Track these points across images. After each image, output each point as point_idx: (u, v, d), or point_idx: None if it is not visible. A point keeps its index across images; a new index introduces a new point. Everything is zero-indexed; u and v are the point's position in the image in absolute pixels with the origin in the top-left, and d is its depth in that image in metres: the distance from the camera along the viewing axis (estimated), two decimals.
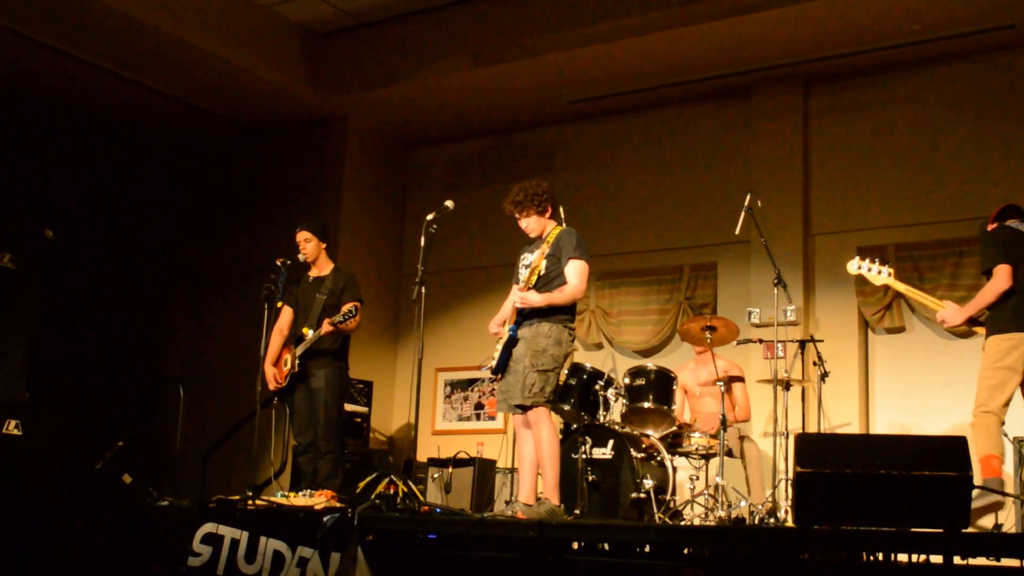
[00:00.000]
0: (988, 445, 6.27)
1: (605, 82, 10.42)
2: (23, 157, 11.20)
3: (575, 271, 6.70)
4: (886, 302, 9.32)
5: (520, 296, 6.65)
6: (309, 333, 7.88)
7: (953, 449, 5.20)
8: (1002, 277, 6.42)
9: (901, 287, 6.80)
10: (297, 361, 7.89)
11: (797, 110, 10.04)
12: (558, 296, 6.66)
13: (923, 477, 5.10)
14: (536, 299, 6.62)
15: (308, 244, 8.17)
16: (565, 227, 6.97)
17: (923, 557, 5.56)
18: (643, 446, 8.06)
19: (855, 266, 6.92)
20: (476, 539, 6.19)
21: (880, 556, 5.64)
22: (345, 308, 7.80)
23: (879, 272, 6.91)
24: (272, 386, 8.03)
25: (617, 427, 8.08)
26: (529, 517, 6.33)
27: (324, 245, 8.26)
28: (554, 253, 6.75)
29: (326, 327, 7.75)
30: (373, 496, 6.91)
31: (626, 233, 10.72)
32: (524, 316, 6.75)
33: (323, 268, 8.25)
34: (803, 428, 8.75)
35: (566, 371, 8.05)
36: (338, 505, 6.79)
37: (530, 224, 6.92)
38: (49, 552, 7.04)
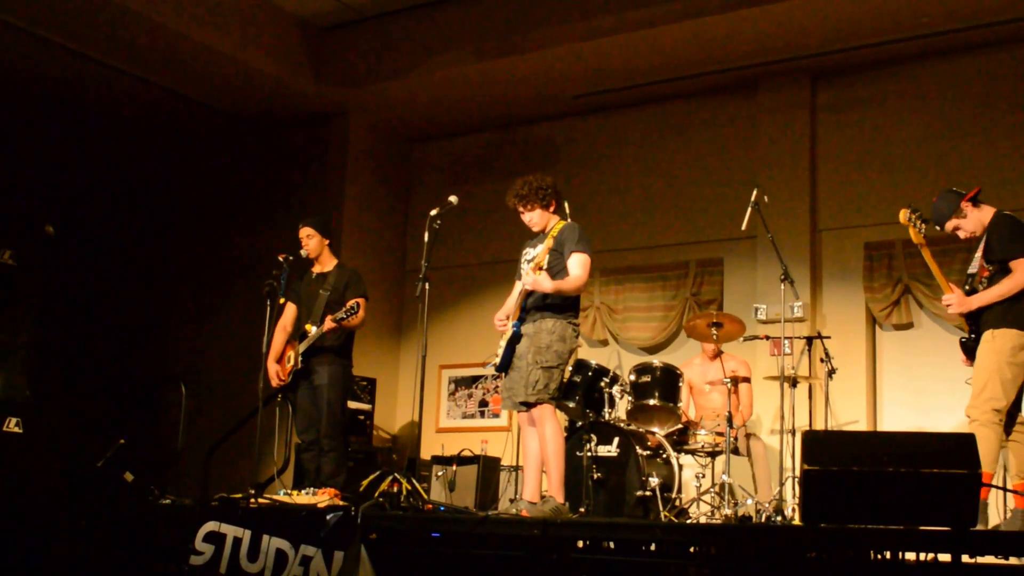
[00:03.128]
0: (988, 459, 5.91)
1: (610, 76, 10.36)
2: (24, 153, 11.18)
3: (577, 263, 6.62)
4: (894, 298, 9.26)
5: (532, 278, 6.56)
6: (312, 329, 7.84)
7: (962, 446, 5.16)
8: None
9: (927, 253, 6.63)
10: (300, 358, 7.86)
11: (804, 104, 9.97)
12: (564, 284, 6.59)
13: (931, 475, 5.05)
14: (547, 284, 6.53)
15: (311, 240, 8.13)
16: (568, 221, 6.91)
17: (931, 555, 5.52)
18: (649, 444, 8.02)
19: (906, 216, 6.67)
20: (480, 537, 6.14)
21: (888, 554, 5.60)
22: (348, 304, 7.76)
23: (920, 230, 6.66)
24: (274, 382, 8.00)
25: (622, 424, 8.04)
26: (533, 515, 6.28)
27: (327, 241, 8.23)
28: (557, 248, 6.68)
29: (329, 323, 7.71)
30: (376, 494, 6.88)
31: (631, 229, 10.67)
32: (527, 312, 6.70)
33: (326, 264, 8.21)
34: (810, 425, 8.74)
35: (571, 368, 8.00)
36: (341, 503, 6.78)
37: (533, 218, 6.85)
38: (51, 551, 7.02)
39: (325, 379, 7.86)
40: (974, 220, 6.51)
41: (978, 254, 6.47)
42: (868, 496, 5.12)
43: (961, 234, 6.59)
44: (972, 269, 6.50)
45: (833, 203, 9.78)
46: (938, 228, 6.66)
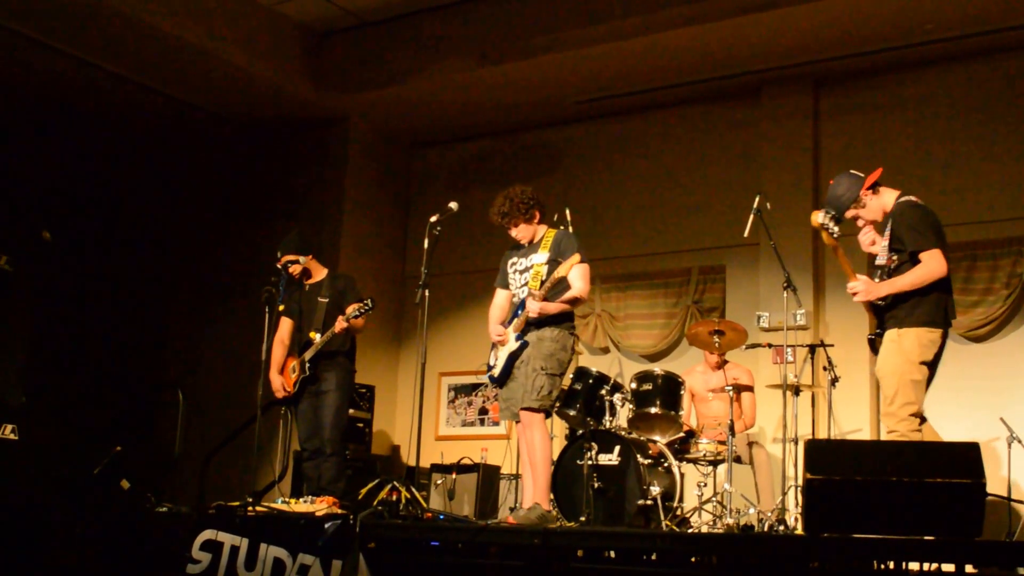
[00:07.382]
0: None
1: (612, 82, 10.33)
2: (22, 158, 11.14)
3: (579, 274, 6.64)
4: None
5: (539, 306, 6.57)
6: (317, 337, 7.80)
7: (965, 456, 5.16)
8: (939, 263, 5.95)
9: (841, 254, 6.34)
10: (308, 365, 7.81)
11: (807, 111, 9.94)
12: (569, 301, 6.63)
13: (935, 484, 5.05)
14: (553, 307, 6.60)
15: (296, 267, 8.07)
16: (560, 230, 6.94)
17: (935, 565, 5.48)
18: (650, 452, 7.96)
19: (819, 219, 6.37)
20: (480, 546, 6.12)
21: (891, 564, 5.56)
22: (360, 303, 7.71)
23: (833, 233, 6.35)
24: (280, 395, 7.98)
25: (623, 433, 7.98)
26: (519, 522, 6.25)
27: (310, 256, 8.15)
28: (555, 257, 6.70)
29: (340, 324, 7.69)
30: (375, 503, 6.86)
31: (633, 235, 10.62)
32: (530, 323, 6.69)
33: (318, 274, 8.20)
34: (813, 434, 8.68)
35: (571, 375, 7.97)
36: (340, 511, 6.74)
37: (519, 232, 6.91)
38: (46, 559, 6.98)
39: (332, 384, 7.86)
40: (874, 207, 6.33)
41: (884, 243, 6.20)
42: (871, 505, 5.12)
43: (860, 223, 6.42)
44: (880, 260, 6.22)
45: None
46: (835, 216, 6.38)
